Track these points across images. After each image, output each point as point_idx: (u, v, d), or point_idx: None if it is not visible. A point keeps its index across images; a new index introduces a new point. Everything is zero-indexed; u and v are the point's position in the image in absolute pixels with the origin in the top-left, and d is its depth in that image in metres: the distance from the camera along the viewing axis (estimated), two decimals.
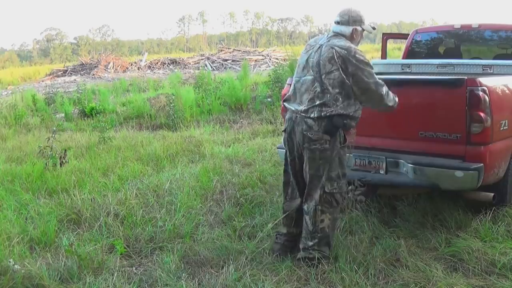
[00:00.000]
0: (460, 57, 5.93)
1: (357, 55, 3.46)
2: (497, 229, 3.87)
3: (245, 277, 3.32)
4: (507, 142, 4.01)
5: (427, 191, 4.38)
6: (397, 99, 3.71)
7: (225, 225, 4.40)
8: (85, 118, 11.32)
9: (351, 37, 3.61)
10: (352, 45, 3.53)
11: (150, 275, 3.52)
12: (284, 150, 4.76)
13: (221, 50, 33.23)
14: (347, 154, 4.18)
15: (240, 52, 31.92)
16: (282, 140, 3.97)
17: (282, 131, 3.89)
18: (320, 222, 3.51)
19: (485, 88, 3.73)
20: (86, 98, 13.10)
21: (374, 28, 3.71)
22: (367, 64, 3.51)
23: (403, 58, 6.28)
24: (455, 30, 6.03)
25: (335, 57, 3.44)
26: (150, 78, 20.96)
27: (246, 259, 3.57)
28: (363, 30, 3.68)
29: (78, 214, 4.55)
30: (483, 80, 3.79)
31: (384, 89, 3.60)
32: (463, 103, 3.75)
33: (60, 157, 6.23)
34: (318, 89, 3.46)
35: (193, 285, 3.30)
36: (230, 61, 28.57)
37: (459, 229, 4.00)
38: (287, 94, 3.76)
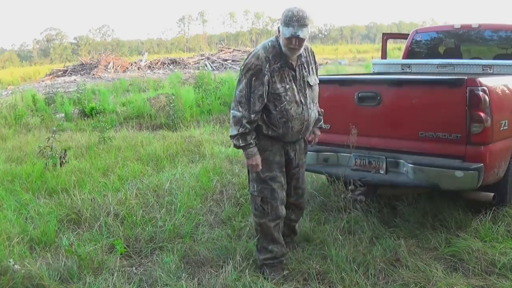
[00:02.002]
0: (460, 57, 5.93)
1: (246, 60, 3.36)
2: (497, 229, 3.87)
3: (244, 277, 3.32)
4: (507, 142, 4.01)
5: (427, 191, 4.37)
6: (235, 132, 3.33)
7: (225, 225, 4.40)
8: (85, 118, 11.32)
9: (279, 36, 3.34)
10: (257, 48, 3.37)
11: (150, 275, 3.52)
12: None
13: (221, 50, 33.26)
14: (349, 154, 4.20)
15: (240, 52, 31.94)
16: None
17: None
18: (254, 222, 3.62)
19: (485, 88, 3.73)
20: (86, 98, 13.11)
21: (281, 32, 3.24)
22: (241, 73, 3.34)
23: (403, 58, 6.28)
24: (455, 30, 6.03)
25: None
26: (150, 78, 20.97)
27: (246, 259, 3.57)
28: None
29: (78, 214, 4.55)
30: (483, 80, 3.79)
31: (233, 112, 3.34)
32: (463, 103, 3.75)
33: (60, 157, 6.23)
34: None
35: (193, 285, 3.30)
36: (230, 61, 28.59)
37: (459, 229, 4.00)
38: None
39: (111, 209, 4.56)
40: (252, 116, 3.30)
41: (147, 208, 4.70)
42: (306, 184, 3.90)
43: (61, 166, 6.13)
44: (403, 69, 5.67)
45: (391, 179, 4.08)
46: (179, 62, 29.20)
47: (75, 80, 23.05)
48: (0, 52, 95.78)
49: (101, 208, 4.59)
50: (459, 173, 3.70)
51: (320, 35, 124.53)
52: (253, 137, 3.36)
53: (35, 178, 5.72)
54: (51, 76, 26.67)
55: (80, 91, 14.51)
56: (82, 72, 26.22)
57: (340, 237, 3.89)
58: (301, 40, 3.23)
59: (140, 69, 27.24)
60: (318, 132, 3.81)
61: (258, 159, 3.38)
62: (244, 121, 3.30)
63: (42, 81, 24.79)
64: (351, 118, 4.22)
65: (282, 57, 3.32)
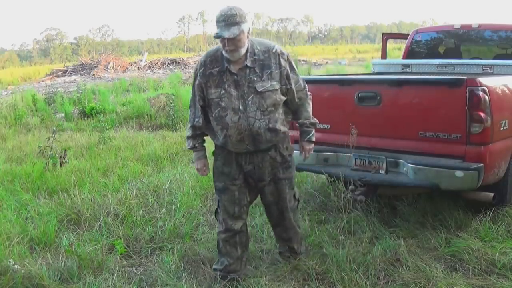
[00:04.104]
0: (460, 57, 5.93)
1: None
2: (497, 229, 3.86)
3: (244, 277, 3.32)
4: (507, 142, 4.01)
5: (427, 191, 4.37)
6: (186, 134, 3.41)
7: None
8: (85, 118, 11.32)
9: None
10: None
11: (150, 275, 3.52)
12: None
13: None
14: (349, 154, 4.16)
15: None
16: None
17: None
18: None
19: (485, 88, 3.73)
20: (86, 98, 13.11)
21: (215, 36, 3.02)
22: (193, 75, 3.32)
23: (403, 58, 6.28)
24: (455, 30, 6.03)
25: None
26: (150, 78, 20.97)
27: (246, 259, 3.57)
28: None
29: (78, 214, 4.55)
30: (483, 80, 3.79)
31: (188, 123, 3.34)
32: (463, 103, 3.75)
33: (60, 157, 6.23)
34: None
35: (193, 285, 3.30)
36: None
37: (459, 229, 4.00)
38: None
39: (111, 209, 4.56)
40: (195, 120, 3.25)
41: (147, 208, 4.70)
42: (289, 202, 3.43)
43: (61, 166, 6.13)
44: (403, 69, 5.67)
45: (391, 179, 4.08)
46: (179, 62, 29.19)
47: (75, 80, 23.05)
48: (0, 52, 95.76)
49: (101, 208, 4.59)
50: (459, 173, 3.70)
51: (320, 35, 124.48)
52: (199, 141, 3.34)
53: (35, 178, 5.72)
54: (51, 76, 26.66)
55: (80, 91, 14.52)
56: (82, 72, 26.20)
57: (340, 237, 3.89)
58: (230, 41, 2.97)
59: (140, 69, 27.23)
60: (306, 146, 3.46)
61: (200, 164, 3.38)
62: (189, 125, 3.32)
63: (42, 81, 24.78)
64: (351, 118, 4.22)
65: (223, 61, 3.11)
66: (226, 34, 2.94)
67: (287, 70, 3.19)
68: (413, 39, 6.28)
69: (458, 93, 3.77)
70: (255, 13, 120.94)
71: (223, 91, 3.10)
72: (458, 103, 3.78)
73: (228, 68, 3.09)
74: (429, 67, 5.46)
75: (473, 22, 5.88)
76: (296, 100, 3.28)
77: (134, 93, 15.87)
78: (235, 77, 3.09)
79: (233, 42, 2.98)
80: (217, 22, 2.98)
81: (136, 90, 17.07)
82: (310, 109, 3.41)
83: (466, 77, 3.82)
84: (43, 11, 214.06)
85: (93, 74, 25.05)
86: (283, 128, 3.24)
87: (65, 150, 6.44)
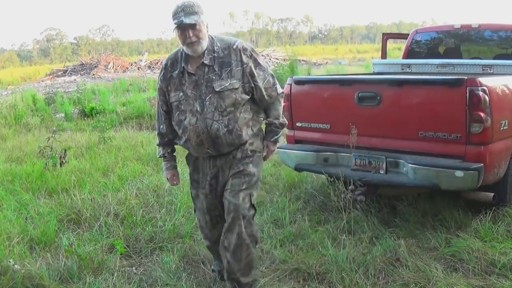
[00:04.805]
0: (460, 57, 5.93)
1: None
2: (497, 229, 3.86)
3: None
4: (507, 142, 4.01)
5: (427, 191, 4.37)
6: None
7: None
8: (85, 118, 11.32)
9: None
10: None
11: (150, 275, 3.52)
12: (285, 151, 4.77)
13: None
14: (349, 154, 4.16)
15: None
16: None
17: None
18: None
19: (485, 88, 3.73)
20: (86, 98, 13.11)
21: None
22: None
23: (403, 58, 6.28)
24: (455, 30, 6.03)
25: None
26: (150, 78, 20.97)
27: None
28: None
29: (78, 214, 4.55)
30: (483, 80, 3.79)
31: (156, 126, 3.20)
32: (463, 103, 3.75)
33: (60, 157, 6.23)
34: None
35: (193, 285, 3.30)
36: None
37: (459, 229, 4.00)
38: None
39: (111, 209, 4.56)
40: (160, 127, 3.12)
41: (147, 208, 4.70)
42: (243, 205, 2.94)
43: (61, 166, 6.13)
44: (403, 69, 5.67)
45: (391, 179, 4.08)
46: None
47: (75, 80, 23.05)
48: (0, 52, 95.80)
49: (101, 208, 4.59)
50: (459, 173, 3.70)
51: (320, 35, 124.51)
52: (168, 150, 3.19)
53: (35, 178, 5.72)
54: (51, 76, 26.67)
55: (80, 91, 14.52)
56: (82, 72, 26.21)
57: (340, 237, 3.89)
58: (191, 30, 2.77)
59: (140, 69, 27.25)
60: (271, 147, 3.14)
61: (169, 174, 3.24)
62: (156, 132, 3.19)
63: (42, 81, 24.79)
64: (351, 118, 4.22)
65: (181, 62, 2.93)
66: (187, 20, 2.73)
67: (251, 66, 2.91)
68: (413, 39, 6.29)
69: (458, 93, 3.77)
70: (255, 13, 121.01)
71: (181, 94, 2.93)
72: (458, 103, 3.78)
73: (185, 69, 2.91)
74: (429, 67, 5.46)
75: (473, 22, 5.88)
76: (266, 98, 3.00)
77: (134, 93, 15.87)
78: (194, 77, 2.90)
79: (194, 32, 2.77)
80: (175, 14, 2.77)
81: (136, 90, 17.08)
82: (281, 108, 3.13)
83: (466, 77, 3.82)
84: (43, 11, 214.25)
85: (93, 74, 25.06)
86: (246, 130, 2.96)
87: (65, 150, 6.43)
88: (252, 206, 3.00)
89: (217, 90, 2.85)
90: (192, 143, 2.95)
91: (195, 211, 3.25)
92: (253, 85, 2.93)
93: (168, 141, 3.16)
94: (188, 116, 2.91)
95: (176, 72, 2.95)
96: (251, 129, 3.00)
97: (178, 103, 2.94)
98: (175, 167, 3.27)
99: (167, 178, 3.28)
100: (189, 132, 2.92)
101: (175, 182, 3.28)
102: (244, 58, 2.90)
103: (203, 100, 2.87)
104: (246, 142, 2.98)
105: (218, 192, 3.06)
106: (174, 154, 3.26)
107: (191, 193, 3.22)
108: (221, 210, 3.07)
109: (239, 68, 2.89)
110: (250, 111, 2.99)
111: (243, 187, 2.95)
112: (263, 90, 2.98)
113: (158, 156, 3.25)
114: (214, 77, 2.87)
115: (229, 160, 3.00)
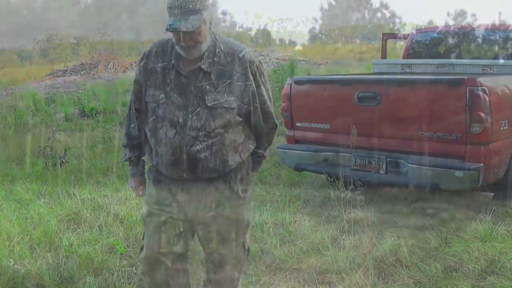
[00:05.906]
0: (460, 57, 5.93)
1: None
2: (497, 229, 3.86)
3: (244, 277, 3.31)
4: (507, 142, 4.01)
5: (427, 191, 4.37)
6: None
7: None
8: (85, 118, 11.31)
9: None
10: None
11: None
12: (285, 150, 4.78)
13: None
14: (349, 154, 4.17)
15: None
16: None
17: None
18: None
19: (485, 88, 3.73)
20: (86, 98, 13.09)
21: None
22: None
23: (403, 58, 6.28)
24: (455, 30, 6.03)
25: None
26: None
27: (245, 259, 3.57)
28: None
29: (78, 214, 4.55)
30: (483, 80, 3.79)
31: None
32: (463, 103, 3.75)
33: (60, 157, 6.23)
34: None
35: (193, 285, 3.30)
36: None
37: (459, 229, 4.00)
38: None
39: (111, 209, 4.56)
40: (131, 127, 2.48)
41: None
42: (234, 252, 2.51)
43: (61, 166, 6.13)
44: (403, 69, 5.67)
45: (391, 179, 4.08)
46: None
47: (75, 80, 23.04)
48: (0, 52, 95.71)
49: (101, 208, 4.59)
50: (459, 173, 3.71)
51: (320, 35, 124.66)
52: (136, 154, 2.52)
53: (35, 178, 5.72)
54: (51, 76, 26.63)
55: (80, 91, 14.51)
56: (82, 72, 26.18)
57: (340, 237, 3.89)
58: (188, 35, 2.17)
59: None
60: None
61: (135, 182, 2.57)
62: (124, 131, 2.55)
63: (42, 81, 24.77)
64: (351, 118, 4.22)
65: (171, 56, 2.30)
66: (183, 26, 2.12)
67: (254, 85, 2.32)
68: (413, 39, 6.29)
69: (458, 93, 3.77)
70: (255, 13, 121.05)
71: (162, 95, 2.27)
72: (458, 103, 3.78)
73: (175, 67, 2.27)
74: (429, 67, 5.46)
75: (473, 22, 5.89)
76: (263, 123, 2.41)
77: None
78: (183, 79, 2.26)
79: (191, 37, 2.18)
80: (170, 8, 2.15)
81: None
82: (272, 140, 2.56)
83: (466, 77, 3.82)
84: (43, 11, 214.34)
85: (93, 74, 25.04)
86: (234, 156, 2.32)
87: (65, 150, 6.44)
88: (246, 249, 2.57)
89: (208, 104, 2.24)
90: (163, 158, 2.30)
91: (143, 237, 2.57)
92: (251, 108, 2.34)
93: (137, 144, 2.50)
94: (165, 126, 2.27)
95: (161, 65, 2.31)
96: (239, 156, 2.35)
97: (156, 105, 2.29)
98: (143, 174, 2.58)
99: (132, 187, 2.60)
100: (163, 147, 2.28)
101: (141, 192, 2.57)
102: (250, 74, 2.30)
103: (189, 113, 2.24)
104: (231, 171, 2.35)
105: (187, 223, 2.43)
106: (143, 158, 2.58)
107: (142, 213, 2.55)
108: (186, 238, 2.54)
109: (241, 83, 2.28)
110: (242, 134, 2.36)
111: (234, 235, 2.45)
112: (263, 114, 2.40)
113: (123, 159, 2.57)
114: (208, 87, 2.25)
115: (209, 192, 2.34)
